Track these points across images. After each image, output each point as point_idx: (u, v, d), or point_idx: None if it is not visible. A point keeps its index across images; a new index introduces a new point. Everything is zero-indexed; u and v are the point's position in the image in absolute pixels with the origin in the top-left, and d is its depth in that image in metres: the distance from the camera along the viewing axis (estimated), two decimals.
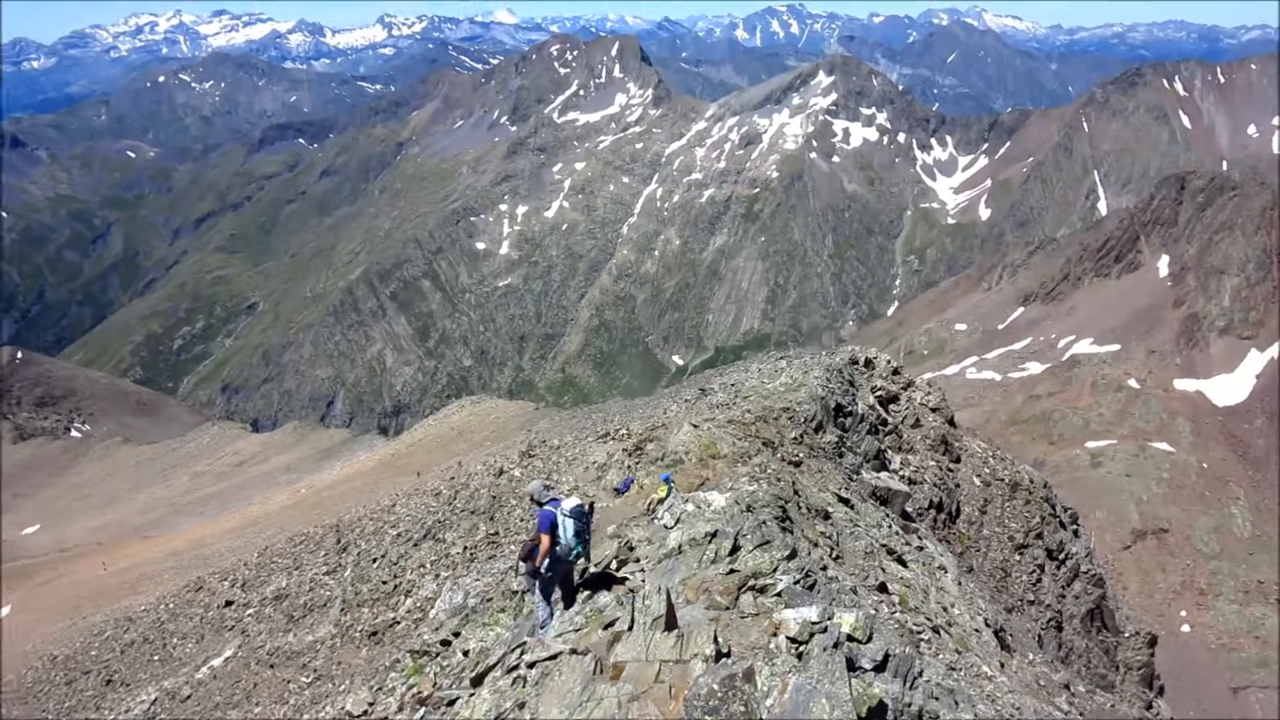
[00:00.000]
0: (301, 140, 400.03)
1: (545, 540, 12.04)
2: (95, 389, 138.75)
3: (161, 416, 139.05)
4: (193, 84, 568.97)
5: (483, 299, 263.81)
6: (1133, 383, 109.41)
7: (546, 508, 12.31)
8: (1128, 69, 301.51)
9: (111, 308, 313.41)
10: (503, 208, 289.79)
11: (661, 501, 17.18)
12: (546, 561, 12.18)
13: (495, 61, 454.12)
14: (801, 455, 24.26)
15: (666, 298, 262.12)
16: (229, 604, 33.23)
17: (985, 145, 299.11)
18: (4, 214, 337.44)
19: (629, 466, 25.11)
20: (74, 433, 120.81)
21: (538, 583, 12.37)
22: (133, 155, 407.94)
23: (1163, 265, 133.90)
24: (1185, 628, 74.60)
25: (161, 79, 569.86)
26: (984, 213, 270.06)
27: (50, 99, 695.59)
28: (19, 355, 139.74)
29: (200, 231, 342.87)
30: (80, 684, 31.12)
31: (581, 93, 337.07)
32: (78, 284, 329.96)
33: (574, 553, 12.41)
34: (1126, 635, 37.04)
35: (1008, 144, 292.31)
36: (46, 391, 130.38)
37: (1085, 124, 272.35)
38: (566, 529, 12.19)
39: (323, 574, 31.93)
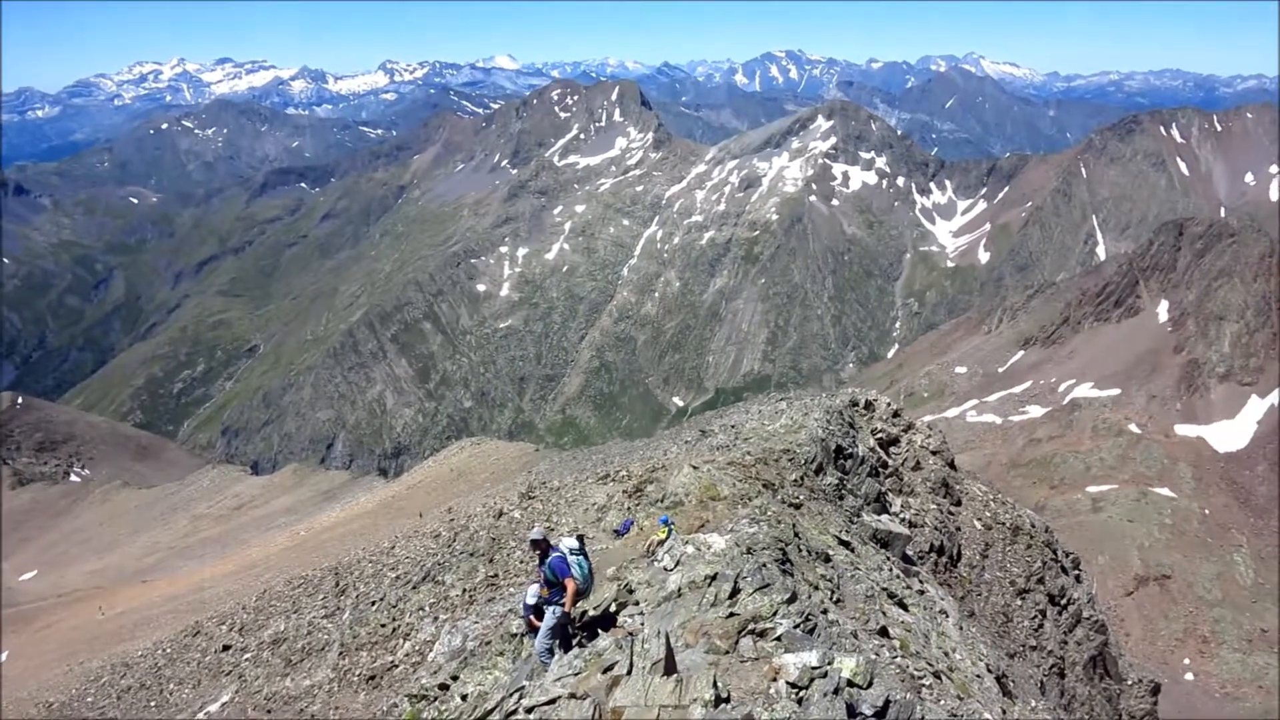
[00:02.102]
0: (303, 185, 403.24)
1: (571, 584, 12.12)
2: (95, 433, 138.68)
3: (161, 460, 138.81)
4: (195, 130, 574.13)
5: (483, 340, 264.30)
6: (1133, 427, 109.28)
7: (555, 555, 12.36)
8: (1125, 116, 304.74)
9: (112, 352, 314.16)
10: (503, 250, 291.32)
11: (661, 543, 17.12)
12: (559, 608, 12.27)
13: (496, 106, 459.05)
14: (802, 497, 24.21)
15: (667, 339, 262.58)
16: (226, 648, 32.98)
17: (984, 189, 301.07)
18: (5, 260, 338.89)
19: (629, 508, 25.03)
20: (73, 477, 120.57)
21: (551, 629, 12.36)
22: (135, 201, 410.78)
23: (1162, 310, 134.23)
24: (1189, 676, 73.84)
25: (165, 125, 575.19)
26: (983, 256, 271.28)
27: (55, 146, 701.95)
28: (19, 400, 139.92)
29: (202, 275, 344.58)
30: None
31: (582, 136, 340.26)
32: (79, 329, 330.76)
33: (589, 588, 12.58)
34: (1129, 683, 36.72)
35: (1006, 188, 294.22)
36: (46, 436, 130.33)
37: (1083, 169, 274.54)
38: (582, 567, 12.30)
39: (321, 617, 31.72)
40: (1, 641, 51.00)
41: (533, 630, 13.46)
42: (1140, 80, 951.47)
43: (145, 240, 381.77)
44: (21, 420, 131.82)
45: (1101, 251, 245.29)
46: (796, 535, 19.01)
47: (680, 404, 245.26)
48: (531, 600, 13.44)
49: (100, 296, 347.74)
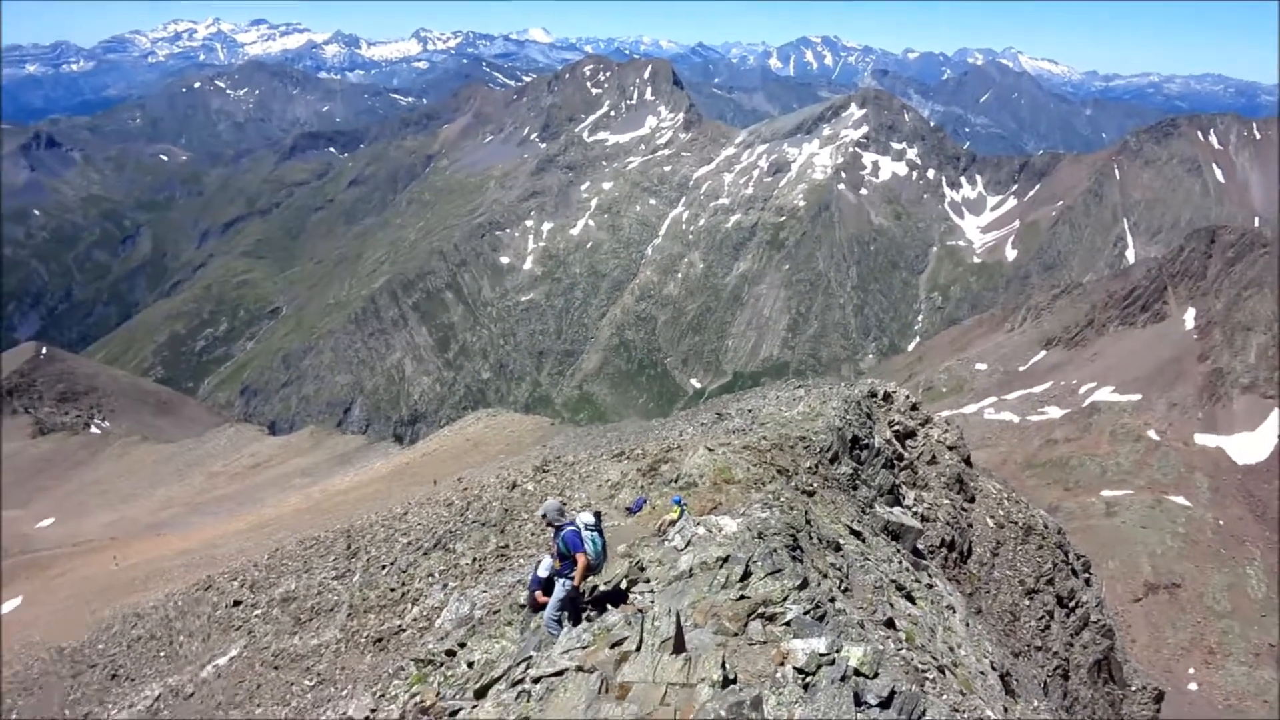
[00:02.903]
0: (332, 149, 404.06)
1: (582, 558, 12.14)
2: (117, 387, 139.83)
3: (180, 416, 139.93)
4: (227, 90, 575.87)
5: (504, 313, 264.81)
6: (1152, 434, 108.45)
7: (568, 528, 12.38)
8: (1163, 119, 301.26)
9: (137, 307, 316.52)
10: (528, 224, 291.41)
11: (673, 523, 17.17)
12: (569, 581, 12.30)
13: (528, 79, 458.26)
14: (815, 485, 24.20)
15: (687, 320, 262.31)
16: (237, 604, 33.32)
17: (1015, 186, 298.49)
18: (35, 212, 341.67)
19: (642, 486, 25.09)
20: (94, 429, 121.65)
21: (560, 601, 12.42)
22: (165, 159, 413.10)
23: (1189, 318, 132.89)
24: (1192, 685, 73.49)
25: (197, 85, 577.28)
26: (1010, 254, 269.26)
27: (88, 101, 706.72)
28: (43, 351, 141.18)
29: (228, 236, 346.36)
30: (86, 677, 31.25)
31: (612, 113, 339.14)
32: (105, 283, 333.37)
33: (601, 564, 12.60)
34: (1133, 689, 36.63)
35: (1038, 186, 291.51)
36: (69, 387, 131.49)
37: (1117, 171, 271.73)
38: (595, 543, 12.32)
39: (331, 578, 32.00)
40: (1, 591, 51.51)
41: (534, 604, 13.53)
42: (1180, 83, 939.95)
43: (173, 198, 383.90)
44: (45, 371, 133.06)
45: (1131, 255, 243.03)
46: (808, 522, 19.01)
47: (698, 386, 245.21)
48: (544, 573, 13.50)
49: (127, 252, 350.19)
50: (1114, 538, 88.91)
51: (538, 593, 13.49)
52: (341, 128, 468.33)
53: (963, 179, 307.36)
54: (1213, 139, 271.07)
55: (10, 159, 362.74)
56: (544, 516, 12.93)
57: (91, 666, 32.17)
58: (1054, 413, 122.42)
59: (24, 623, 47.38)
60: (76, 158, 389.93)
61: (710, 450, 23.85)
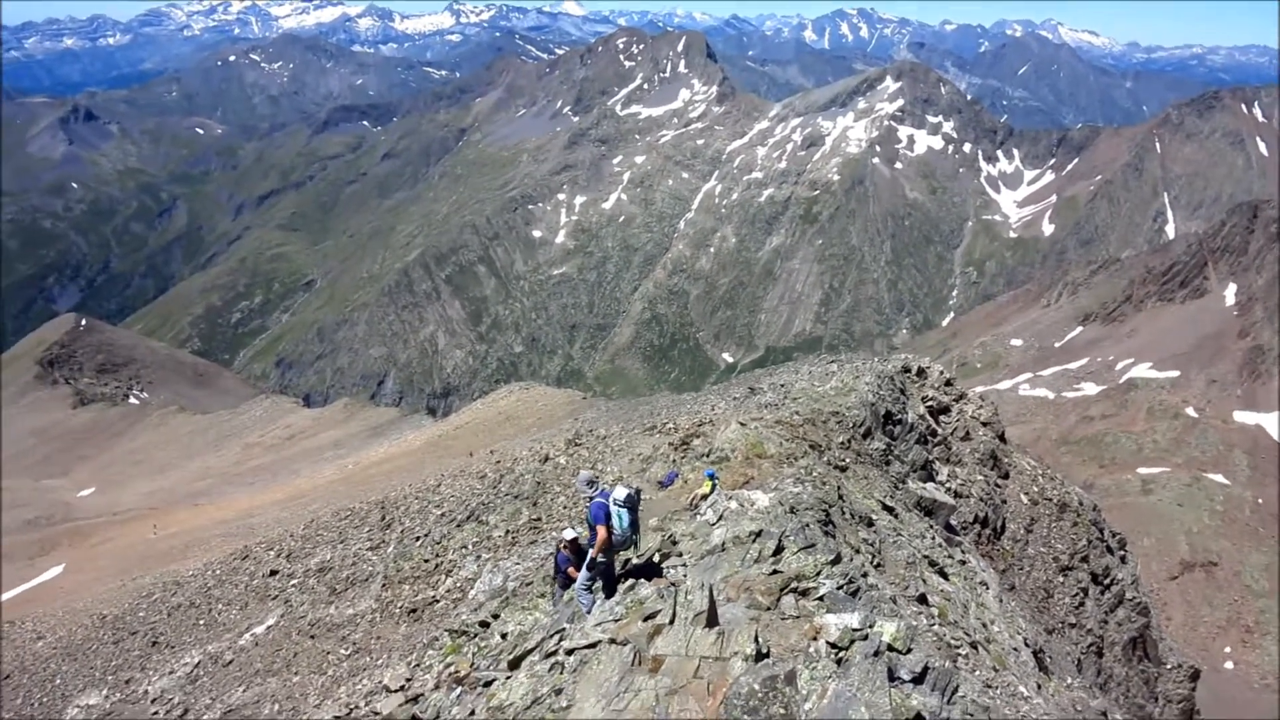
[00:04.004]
0: (365, 123, 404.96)
1: (603, 531, 12.14)
2: (154, 358, 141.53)
3: (217, 388, 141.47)
4: (262, 64, 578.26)
5: (536, 286, 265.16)
6: (1190, 411, 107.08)
7: (598, 499, 12.39)
8: (1206, 91, 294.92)
9: (173, 280, 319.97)
10: (561, 197, 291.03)
11: (705, 497, 17.18)
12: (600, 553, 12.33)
13: (561, 52, 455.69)
14: (848, 460, 24.12)
15: (720, 295, 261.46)
16: (274, 573, 33.77)
17: (1053, 160, 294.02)
18: (74, 185, 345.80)
19: (674, 460, 25.11)
20: (132, 400, 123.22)
21: (587, 573, 12.47)
22: (201, 132, 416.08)
23: (1229, 294, 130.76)
24: (1228, 665, 72.88)
25: (232, 58, 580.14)
26: (1047, 228, 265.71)
27: (124, 74, 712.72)
28: (83, 322, 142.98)
29: (263, 209, 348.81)
30: (127, 644, 31.81)
31: (645, 86, 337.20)
32: (142, 255, 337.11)
33: (630, 541, 12.59)
34: (1168, 667, 36.33)
35: (1076, 160, 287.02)
36: (108, 359, 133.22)
37: (1158, 144, 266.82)
38: (622, 519, 12.30)
39: (366, 549, 32.35)
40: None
41: (564, 581, 13.64)
42: (1224, 55, 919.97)
43: (209, 171, 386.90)
44: (85, 342, 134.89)
45: (1170, 230, 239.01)
46: (841, 498, 18.97)
47: (730, 360, 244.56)
48: (569, 535, 13.68)
49: (163, 225, 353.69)
50: (1150, 515, 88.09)
51: (569, 569, 13.60)
52: (375, 101, 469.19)
53: (999, 153, 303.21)
54: (1256, 112, 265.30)
55: (49, 132, 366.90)
56: (580, 486, 13.02)
57: (133, 633, 32.74)
58: (1090, 389, 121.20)
59: (67, 590, 48.31)
60: (114, 131, 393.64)
61: (742, 425, 23.80)
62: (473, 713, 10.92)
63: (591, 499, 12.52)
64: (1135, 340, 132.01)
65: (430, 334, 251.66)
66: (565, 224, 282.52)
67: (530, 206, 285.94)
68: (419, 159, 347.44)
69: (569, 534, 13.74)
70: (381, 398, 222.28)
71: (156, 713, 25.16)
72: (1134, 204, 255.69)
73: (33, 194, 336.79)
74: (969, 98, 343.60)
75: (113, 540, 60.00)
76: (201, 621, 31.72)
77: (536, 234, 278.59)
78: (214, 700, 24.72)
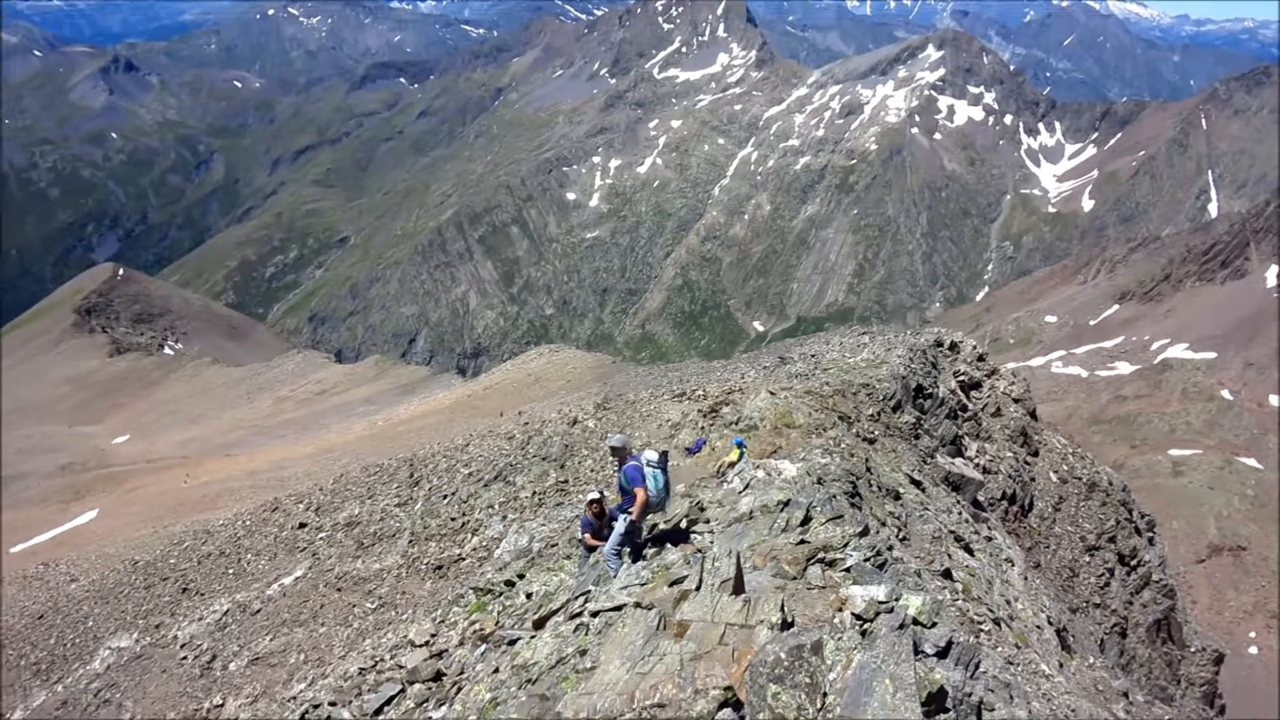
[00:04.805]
0: (402, 80, 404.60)
1: (641, 493, 12.15)
2: (190, 310, 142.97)
3: (250, 341, 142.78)
4: (301, 18, 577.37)
5: (569, 249, 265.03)
6: (1225, 393, 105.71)
7: (632, 462, 12.40)
8: (1256, 66, 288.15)
9: (210, 232, 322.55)
10: (596, 160, 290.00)
11: (732, 465, 17.21)
12: (628, 516, 12.36)
13: (600, 13, 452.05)
14: (877, 433, 24.05)
15: (752, 263, 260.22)
16: (302, 526, 34.19)
17: (1095, 134, 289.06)
18: (113, 135, 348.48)
19: (702, 427, 25.13)
20: (167, 350, 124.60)
21: (620, 535, 12.50)
22: (239, 85, 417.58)
23: (1270, 275, 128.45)
24: (1253, 649, 72.40)
25: (271, 12, 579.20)
26: (1087, 204, 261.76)
27: (164, 26, 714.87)
28: (120, 272, 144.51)
29: (299, 164, 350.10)
30: (158, 589, 32.37)
31: (684, 50, 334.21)
32: (179, 207, 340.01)
33: (663, 503, 12.62)
34: (1192, 650, 36.15)
35: (1119, 135, 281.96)
36: (144, 309, 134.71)
37: (1204, 120, 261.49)
38: (657, 479, 12.32)
39: (394, 505, 32.67)
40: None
41: (587, 547, 13.70)
42: (1276, 30, 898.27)
43: (246, 125, 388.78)
44: (122, 291, 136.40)
45: (1214, 209, 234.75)
46: (868, 470, 18.93)
47: (760, 329, 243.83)
48: (594, 494, 13.72)
49: (201, 177, 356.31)
50: (1180, 497, 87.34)
51: (587, 535, 13.67)
52: (412, 58, 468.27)
53: (1041, 125, 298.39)
54: None
55: (89, 81, 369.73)
56: (612, 449, 12.99)
57: (164, 579, 33.29)
58: (1124, 368, 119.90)
59: (101, 534, 49.16)
60: (153, 82, 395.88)
61: (772, 394, 23.77)
62: (497, 670, 11.04)
63: (624, 462, 12.53)
64: (1172, 320, 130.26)
65: (462, 294, 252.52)
66: (599, 187, 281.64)
67: (565, 169, 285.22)
68: (455, 118, 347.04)
69: (593, 495, 13.79)
70: (412, 356, 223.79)
71: (185, 658, 25.65)
72: (1177, 181, 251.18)
73: (73, 142, 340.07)
74: (1012, 68, 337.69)
75: (145, 487, 60.92)
76: (231, 570, 32.21)
77: (570, 196, 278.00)
78: (241, 648, 25.16)
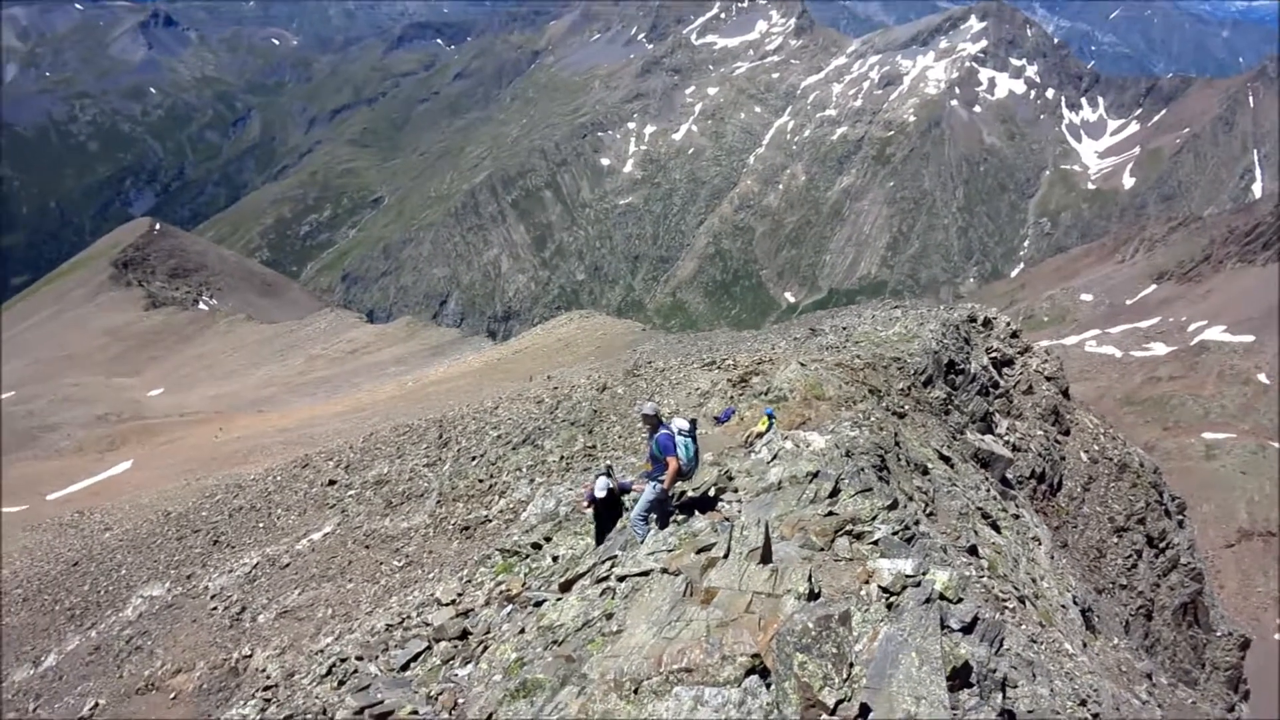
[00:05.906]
0: (439, 40, 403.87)
1: (674, 462, 12.16)
2: (224, 266, 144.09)
3: (283, 299, 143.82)
4: None
5: (602, 215, 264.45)
6: (1263, 377, 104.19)
7: (664, 430, 12.40)
8: None
9: (245, 189, 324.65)
10: (631, 126, 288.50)
11: (760, 435, 17.18)
12: (659, 484, 12.40)
13: None
14: (907, 407, 23.95)
15: (786, 233, 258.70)
16: (332, 483, 34.59)
17: (1139, 110, 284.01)
18: (152, 90, 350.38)
19: (732, 397, 25.10)
20: (202, 305, 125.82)
21: (649, 502, 12.51)
22: (277, 43, 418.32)
23: None
24: (1279, 636, 71.92)
25: None
26: (1128, 181, 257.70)
27: None
28: (157, 227, 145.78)
29: (335, 123, 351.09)
30: (190, 541, 32.92)
31: (722, 16, 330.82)
32: (215, 163, 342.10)
33: (693, 471, 12.66)
34: (1218, 634, 35.95)
35: (1164, 111, 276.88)
36: (180, 264, 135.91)
37: (1251, 99, 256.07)
38: (688, 448, 12.32)
39: (423, 465, 32.95)
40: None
41: (581, 510, 13.81)
42: None
43: (283, 83, 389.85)
44: (158, 246, 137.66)
45: (1258, 189, 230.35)
46: (897, 444, 18.88)
47: (792, 300, 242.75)
48: (600, 493, 13.74)
49: (238, 134, 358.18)
50: (1211, 481, 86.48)
51: (583, 502, 13.79)
52: (449, 19, 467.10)
53: (1083, 100, 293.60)
54: None
55: (129, 35, 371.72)
56: (644, 416, 12.99)
57: (195, 531, 33.85)
58: (1159, 349, 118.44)
59: (134, 485, 49.99)
60: (192, 38, 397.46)
61: (802, 365, 23.69)
62: (523, 630, 11.16)
63: (656, 429, 12.52)
64: (1210, 301, 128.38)
65: (494, 257, 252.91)
66: (634, 153, 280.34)
67: (600, 134, 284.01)
68: (491, 80, 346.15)
69: (599, 493, 13.86)
70: (443, 318, 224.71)
71: (215, 608, 26.13)
72: (1221, 160, 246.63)
73: (112, 96, 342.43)
74: (1055, 41, 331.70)
75: (179, 440, 61.80)
76: (261, 524, 32.68)
77: (605, 162, 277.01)
78: (270, 600, 25.59)
